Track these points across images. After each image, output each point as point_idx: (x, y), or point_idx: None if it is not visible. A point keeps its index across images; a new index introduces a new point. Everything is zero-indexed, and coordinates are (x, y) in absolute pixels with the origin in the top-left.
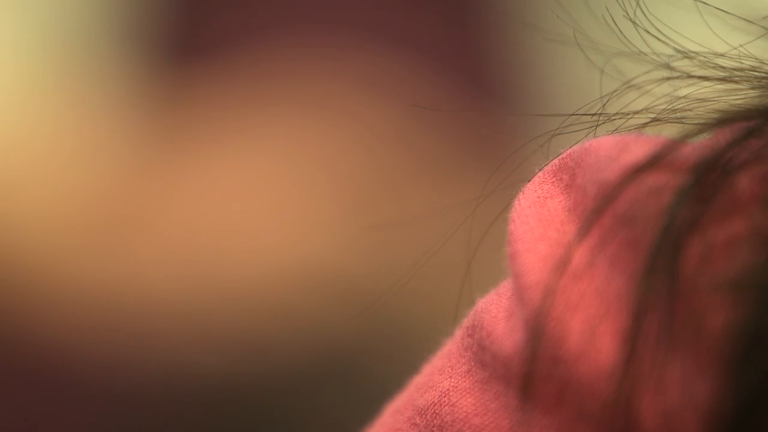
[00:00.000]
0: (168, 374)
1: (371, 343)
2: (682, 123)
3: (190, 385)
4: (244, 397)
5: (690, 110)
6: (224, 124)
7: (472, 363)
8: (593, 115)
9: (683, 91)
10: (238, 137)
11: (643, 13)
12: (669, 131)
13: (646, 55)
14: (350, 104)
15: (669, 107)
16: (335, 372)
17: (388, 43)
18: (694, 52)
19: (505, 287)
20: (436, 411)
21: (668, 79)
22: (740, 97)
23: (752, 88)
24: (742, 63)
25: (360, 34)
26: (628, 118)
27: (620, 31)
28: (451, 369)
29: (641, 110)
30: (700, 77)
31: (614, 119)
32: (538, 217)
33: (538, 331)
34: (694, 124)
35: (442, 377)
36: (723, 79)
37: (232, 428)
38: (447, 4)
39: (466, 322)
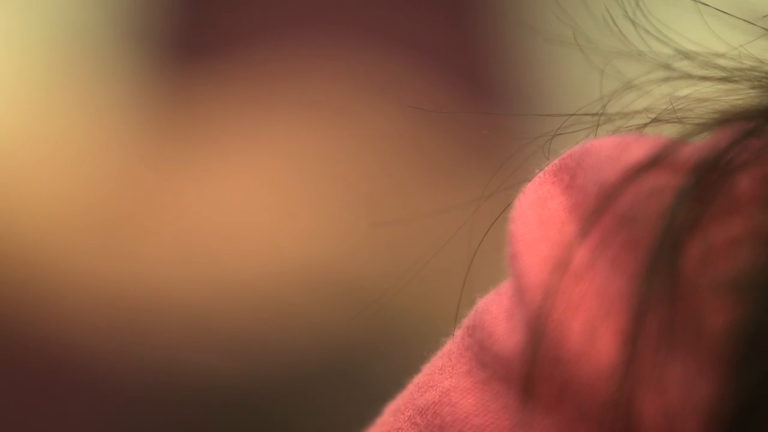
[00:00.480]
0: (169, 373)
1: (372, 343)
2: (682, 123)
3: (192, 384)
4: (246, 396)
5: (690, 110)
6: (228, 124)
7: (473, 363)
8: (593, 115)
9: (683, 92)
10: (241, 137)
11: (643, 13)
12: (669, 131)
13: (646, 55)
14: (352, 105)
15: (669, 107)
16: (336, 372)
17: (390, 44)
18: (694, 53)
19: (506, 287)
20: (437, 411)
21: (668, 79)
22: (740, 97)
23: (752, 88)
24: (742, 63)
25: (362, 35)
26: (629, 119)
27: (620, 31)
28: (452, 369)
29: (641, 111)
30: (700, 77)
31: (614, 120)
32: (539, 218)
33: (539, 331)
34: (695, 124)
35: (442, 377)
36: (723, 80)
37: (233, 428)
38: (448, 6)
39: (466, 322)
